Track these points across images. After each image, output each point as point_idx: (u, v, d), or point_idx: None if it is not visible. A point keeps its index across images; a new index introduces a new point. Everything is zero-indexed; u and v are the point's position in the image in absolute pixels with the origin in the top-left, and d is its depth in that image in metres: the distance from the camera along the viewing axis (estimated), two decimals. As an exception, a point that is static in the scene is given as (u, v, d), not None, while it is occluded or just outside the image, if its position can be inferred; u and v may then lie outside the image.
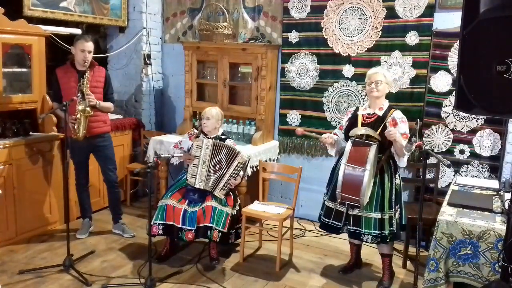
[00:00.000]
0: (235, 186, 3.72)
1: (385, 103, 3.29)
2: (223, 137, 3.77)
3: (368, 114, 3.28)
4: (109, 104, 3.96)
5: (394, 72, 4.06)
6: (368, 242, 3.25)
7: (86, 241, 4.02)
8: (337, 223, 3.31)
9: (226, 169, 3.57)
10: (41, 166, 4.06)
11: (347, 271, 3.59)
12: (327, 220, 3.36)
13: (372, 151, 3.06)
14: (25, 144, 3.89)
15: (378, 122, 3.21)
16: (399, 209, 3.28)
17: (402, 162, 3.19)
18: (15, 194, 3.83)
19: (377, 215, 3.17)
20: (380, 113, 3.24)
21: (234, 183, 3.61)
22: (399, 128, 3.15)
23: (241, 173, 3.66)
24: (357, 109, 3.42)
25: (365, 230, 3.18)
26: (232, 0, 4.84)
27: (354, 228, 3.22)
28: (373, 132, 3.14)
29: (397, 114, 3.22)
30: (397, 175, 3.28)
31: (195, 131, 3.84)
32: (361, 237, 3.21)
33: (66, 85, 3.80)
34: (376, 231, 3.16)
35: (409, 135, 3.01)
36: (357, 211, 3.21)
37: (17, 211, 3.87)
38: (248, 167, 4.02)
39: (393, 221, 3.21)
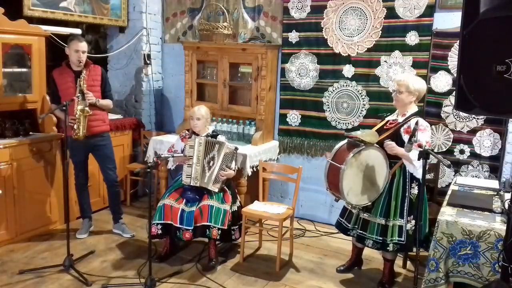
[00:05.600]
0: (232, 179, 3.74)
1: (410, 110, 3.18)
2: (214, 134, 3.79)
3: (393, 120, 3.26)
4: (108, 102, 3.98)
5: (394, 72, 4.05)
6: (369, 247, 3.23)
7: (86, 241, 4.02)
8: (346, 223, 3.36)
9: (216, 162, 3.60)
10: (41, 166, 4.06)
11: (346, 270, 3.59)
12: (341, 218, 3.43)
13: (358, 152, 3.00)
14: (25, 144, 3.89)
15: (395, 129, 3.15)
16: (413, 221, 3.11)
17: (415, 171, 3.04)
18: (15, 194, 3.83)
19: (381, 221, 3.16)
20: (401, 120, 3.18)
21: (225, 175, 3.62)
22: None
23: (233, 165, 3.68)
24: (390, 114, 3.39)
25: (369, 235, 3.19)
26: (232, 0, 4.84)
27: (361, 231, 3.24)
28: (369, 137, 3.05)
29: (415, 122, 3.04)
30: (413, 185, 3.14)
31: (187, 132, 3.85)
32: (365, 241, 3.22)
33: (63, 85, 3.81)
34: (378, 237, 3.15)
35: (420, 143, 2.80)
36: (366, 215, 3.22)
37: (17, 211, 3.87)
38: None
39: (403, 231, 3.12)
